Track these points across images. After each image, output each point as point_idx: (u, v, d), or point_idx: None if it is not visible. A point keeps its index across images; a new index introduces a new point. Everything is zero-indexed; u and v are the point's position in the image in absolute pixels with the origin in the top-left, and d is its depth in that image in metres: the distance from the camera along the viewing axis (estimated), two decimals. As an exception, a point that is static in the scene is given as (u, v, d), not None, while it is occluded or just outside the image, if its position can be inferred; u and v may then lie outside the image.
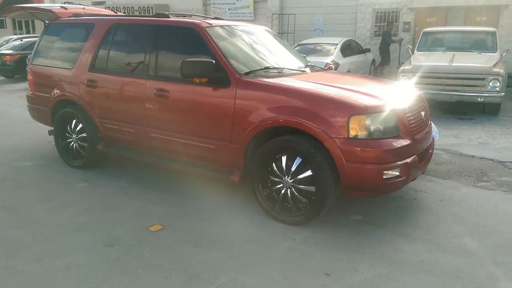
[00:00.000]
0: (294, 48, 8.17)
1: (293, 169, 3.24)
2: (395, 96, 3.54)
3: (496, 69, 7.15)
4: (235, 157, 3.54)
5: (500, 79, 6.98)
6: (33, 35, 17.73)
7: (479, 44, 8.50)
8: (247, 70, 3.64)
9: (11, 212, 3.60)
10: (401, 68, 7.85)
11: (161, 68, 3.96)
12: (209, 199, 3.81)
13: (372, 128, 3.08)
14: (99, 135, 4.54)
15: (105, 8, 13.22)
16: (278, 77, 3.70)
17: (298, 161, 3.23)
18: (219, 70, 3.52)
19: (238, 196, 3.85)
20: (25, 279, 2.62)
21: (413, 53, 8.82)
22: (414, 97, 3.70)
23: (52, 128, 4.99)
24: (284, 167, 3.29)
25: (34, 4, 5.17)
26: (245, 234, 3.20)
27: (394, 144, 3.12)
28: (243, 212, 3.56)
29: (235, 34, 4.15)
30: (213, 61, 3.48)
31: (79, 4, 5.63)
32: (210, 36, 3.73)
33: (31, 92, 5.22)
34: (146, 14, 17.14)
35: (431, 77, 7.37)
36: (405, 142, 3.20)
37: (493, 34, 8.56)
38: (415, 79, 7.26)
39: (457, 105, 7.69)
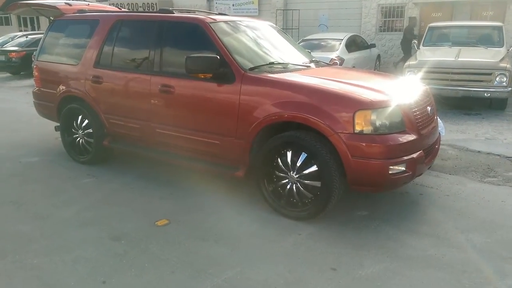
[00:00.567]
0: (298, 43, 8.14)
1: (298, 164, 3.24)
2: (401, 91, 3.52)
3: (502, 64, 7.09)
4: (240, 153, 3.54)
5: (507, 74, 6.92)
6: (38, 31, 17.77)
7: (486, 39, 8.42)
8: (251, 66, 3.63)
9: (18, 207, 3.63)
10: (407, 63, 7.80)
11: (166, 64, 3.96)
12: (214, 195, 3.82)
13: (378, 123, 3.07)
14: (105, 131, 4.56)
15: (109, 5, 13.23)
16: (283, 72, 3.69)
17: (303, 156, 3.22)
18: (223, 66, 3.52)
19: (243, 192, 3.86)
20: (34, 272, 2.65)
21: (418, 48, 8.76)
22: (420, 92, 3.68)
23: (58, 124, 5.02)
24: (290, 162, 3.28)
25: (39, 1, 5.16)
26: (250, 229, 3.21)
27: (400, 139, 3.11)
28: (248, 208, 3.57)
29: (240, 29, 4.14)
30: (218, 57, 3.47)
31: (84, 0, 5.64)
32: (214, 32, 3.73)
33: (37, 88, 5.25)
34: (150, 10, 17.13)
35: (437, 72, 7.32)
36: (411, 137, 3.18)
37: (499, 28, 8.48)
38: (420, 74, 7.21)
39: (463, 100, 7.64)
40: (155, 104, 3.98)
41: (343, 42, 9.56)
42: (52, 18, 5.16)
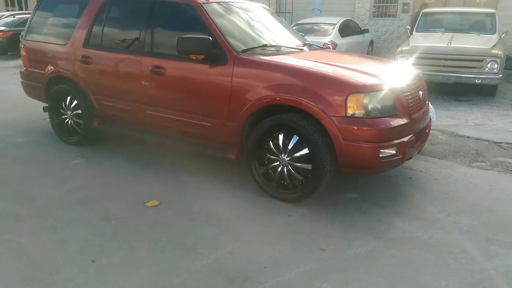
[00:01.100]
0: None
1: (290, 147, 3.24)
2: (394, 75, 3.52)
3: (494, 51, 7.11)
4: (232, 135, 3.53)
5: (498, 60, 6.95)
6: (26, 11, 17.34)
7: (478, 25, 8.43)
8: (244, 48, 3.59)
9: (6, 187, 3.59)
10: (400, 49, 7.79)
11: (157, 44, 3.90)
12: (205, 177, 3.82)
13: (370, 106, 3.07)
14: (94, 112, 4.50)
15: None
16: (275, 55, 3.66)
17: (295, 139, 3.22)
18: (216, 47, 3.48)
19: (234, 174, 3.87)
20: (22, 252, 2.64)
21: (411, 34, 8.74)
22: (412, 77, 3.68)
23: (46, 105, 4.94)
24: (281, 145, 3.28)
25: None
26: (241, 211, 3.22)
27: (391, 123, 3.12)
28: (239, 190, 3.57)
29: (232, 11, 4.08)
30: (210, 38, 3.43)
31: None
32: (207, 12, 3.67)
33: (24, 68, 5.15)
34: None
35: (429, 58, 7.32)
36: (402, 121, 3.19)
37: (492, 15, 8.48)
38: (413, 59, 7.21)
39: (454, 86, 7.68)
40: (145, 86, 3.93)
41: (336, 26, 9.50)
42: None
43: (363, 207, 3.31)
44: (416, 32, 8.72)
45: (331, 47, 8.40)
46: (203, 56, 3.51)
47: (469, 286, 2.35)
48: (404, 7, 13.58)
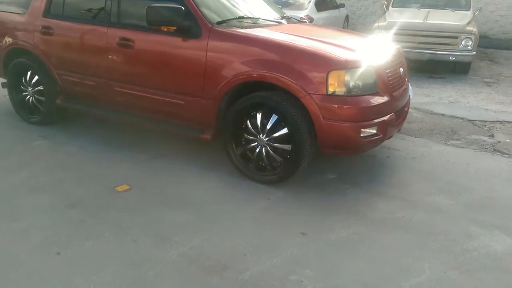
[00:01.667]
0: None
1: (268, 127, 3.09)
2: (375, 51, 3.40)
3: (469, 28, 7.12)
4: (207, 114, 3.34)
5: (473, 37, 6.97)
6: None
7: (453, 1, 8.40)
8: (219, 20, 3.36)
9: (-40, 172, 3.30)
10: (376, 24, 7.69)
11: (124, 14, 3.61)
12: (178, 158, 3.63)
13: (351, 84, 2.95)
14: (58, 89, 4.18)
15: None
16: (253, 28, 3.45)
17: (273, 118, 3.07)
18: (189, 18, 3.23)
19: (209, 155, 3.70)
20: (-22, 244, 2.41)
21: (387, 9, 8.64)
22: (393, 52, 3.57)
23: (5, 81, 4.55)
24: (259, 124, 3.13)
25: None
26: (217, 194, 3.08)
27: (372, 101, 3.02)
28: (214, 172, 3.42)
29: (207, -21, 3.80)
30: (182, 8, 3.17)
31: None
32: (179, -20, 3.39)
33: (-22, 40, 4.70)
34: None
35: (405, 34, 7.25)
36: (383, 99, 3.09)
37: (467, -9, 8.46)
38: (389, 35, 7.12)
39: (428, 63, 7.69)
40: (112, 60, 3.65)
41: (313, 0, 9.26)
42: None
43: (342, 188, 3.24)
44: (392, 7, 8.62)
45: (307, 21, 8.19)
46: (175, 28, 3.26)
47: (452, 268, 2.33)
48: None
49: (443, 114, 5.26)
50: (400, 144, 4.19)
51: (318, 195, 3.12)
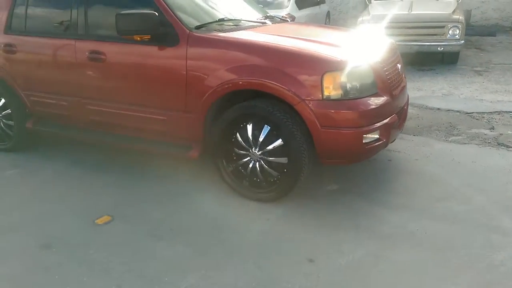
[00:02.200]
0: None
1: (261, 139, 2.80)
2: (369, 48, 3.14)
3: (455, 16, 6.95)
4: (192, 129, 3.03)
5: (460, 26, 6.80)
6: None
7: (436, -10, 8.24)
8: (198, 24, 3.06)
9: None
10: (360, 19, 7.47)
11: (93, 25, 3.29)
12: (166, 181, 3.28)
13: (348, 86, 2.68)
14: (27, 111, 3.82)
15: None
16: (235, 30, 3.17)
17: (266, 129, 2.79)
18: (164, 25, 2.92)
19: (198, 175, 3.36)
20: None
21: (370, 2, 8.44)
22: (388, 48, 3.32)
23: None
24: (251, 137, 2.84)
25: None
26: (211, 220, 2.76)
27: (373, 103, 2.76)
28: (206, 193, 3.09)
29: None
30: (156, 13, 2.85)
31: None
32: (151, -17, 3.07)
33: None
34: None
35: (391, 27, 7.02)
36: (383, 100, 2.83)
37: (449, -21, 8.31)
38: (375, 29, 6.90)
39: (415, 56, 7.49)
40: (83, 75, 3.32)
41: (293, -2, 9.00)
42: None
43: (346, 200, 2.97)
44: (374, 0, 8.43)
45: (289, 20, 7.92)
46: (149, 37, 2.95)
47: (480, 289, 2.07)
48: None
49: (438, 108, 5.05)
50: (400, 144, 3.94)
51: (321, 210, 2.84)
